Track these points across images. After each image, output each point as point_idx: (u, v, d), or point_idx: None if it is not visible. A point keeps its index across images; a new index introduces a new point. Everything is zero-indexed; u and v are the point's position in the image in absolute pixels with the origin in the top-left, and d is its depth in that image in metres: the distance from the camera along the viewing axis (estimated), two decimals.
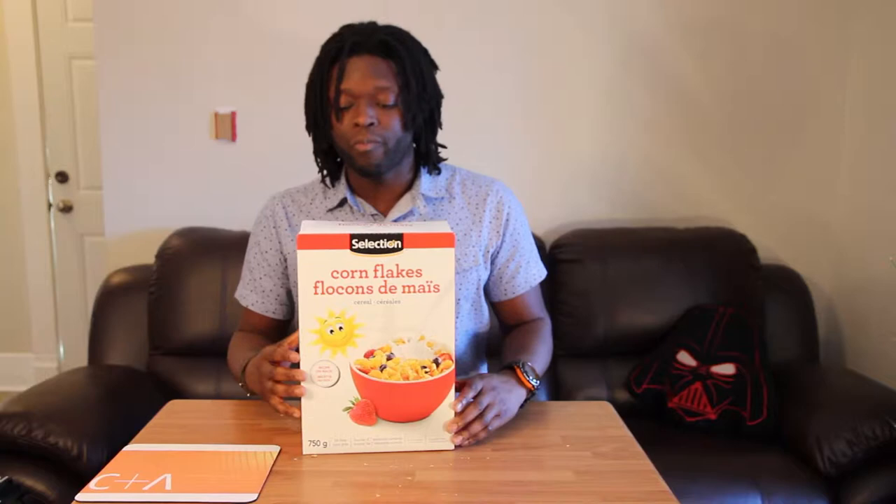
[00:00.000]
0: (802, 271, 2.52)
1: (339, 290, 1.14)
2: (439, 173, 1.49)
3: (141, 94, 2.55)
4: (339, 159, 1.47)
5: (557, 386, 2.36)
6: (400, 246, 1.14)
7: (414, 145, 1.46)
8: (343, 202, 1.46)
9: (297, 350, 1.18)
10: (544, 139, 2.61)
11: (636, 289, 2.37)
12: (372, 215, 1.45)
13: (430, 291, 1.16)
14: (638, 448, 1.22)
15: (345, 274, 1.14)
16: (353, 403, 1.17)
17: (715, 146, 2.61)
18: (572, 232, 2.51)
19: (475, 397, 1.22)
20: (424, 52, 1.42)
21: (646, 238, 2.47)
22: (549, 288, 2.38)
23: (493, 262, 1.51)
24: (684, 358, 2.23)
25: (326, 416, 1.17)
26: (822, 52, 2.57)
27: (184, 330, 2.29)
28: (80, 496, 1.05)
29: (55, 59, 3.36)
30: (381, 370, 1.16)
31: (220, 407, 1.40)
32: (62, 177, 3.44)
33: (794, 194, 2.63)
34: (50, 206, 3.47)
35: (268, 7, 2.51)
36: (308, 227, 1.17)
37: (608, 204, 2.63)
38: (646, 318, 2.36)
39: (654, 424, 2.18)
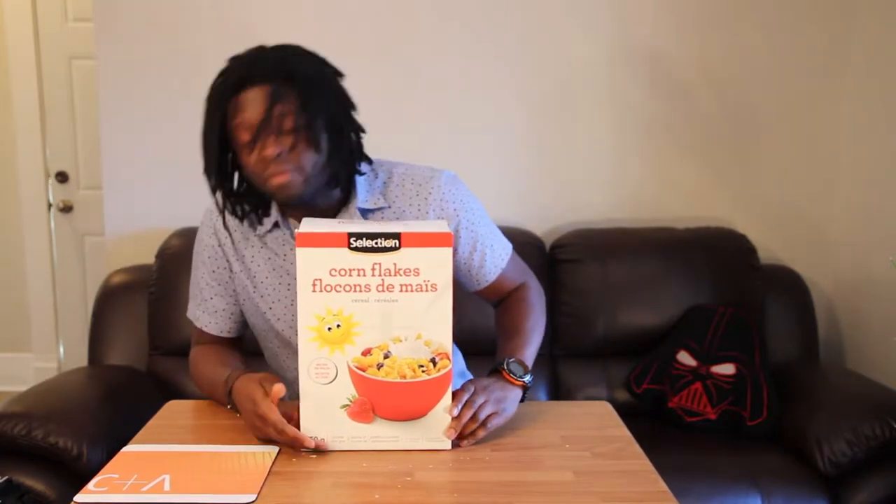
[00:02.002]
0: (802, 271, 2.52)
1: (337, 288, 1.14)
2: (375, 175, 1.40)
3: (141, 94, 2.55)
4: (254, 202, 1.38)
5: (557, 386, 2.36)
6: (397, 245, 1.14)
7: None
8: (276, 225, 1.39)
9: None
10: (544, 139, 2.61)
11: (636, 289, 2.37)
12: None
13: (427, 290, 1.16)
14: (637, 448, 1.22)
15: (343, 272, 1.14)
16: (351, 401, 1.18)
17: (715, 146, 2.61)
18: (572, 232, 2.51)
19: (469, 399, 1.22)
20: (321, 62, 1.33)
21: (646, 238, 2.46)
22: (550, 288, 2.38)
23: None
24: (684, 358, 2.23)
25: (324, 414, 1.18)
26: (821, 53, 2.56)
27: (184, 330, 2.27)
28: (78, 497, 1.05)
29: (55, 59, 3.36)
30: (379, 368, 1.16)
31: (219, 407, 1.39)
32: (62, 177, 3.44)
33: (794, 194, 2.63)
34: (50, 206, 3.47)
35: (268, 7, 2.51)
36: (307, 226, 1.18)
37: (608, 204, 2.63)
38: (646, 318, 2.36)
39: (654, 424, 2.18)
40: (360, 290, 1.15)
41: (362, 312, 1.15)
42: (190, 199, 2.59)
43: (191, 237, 2.38)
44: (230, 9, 2.51)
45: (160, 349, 2.31)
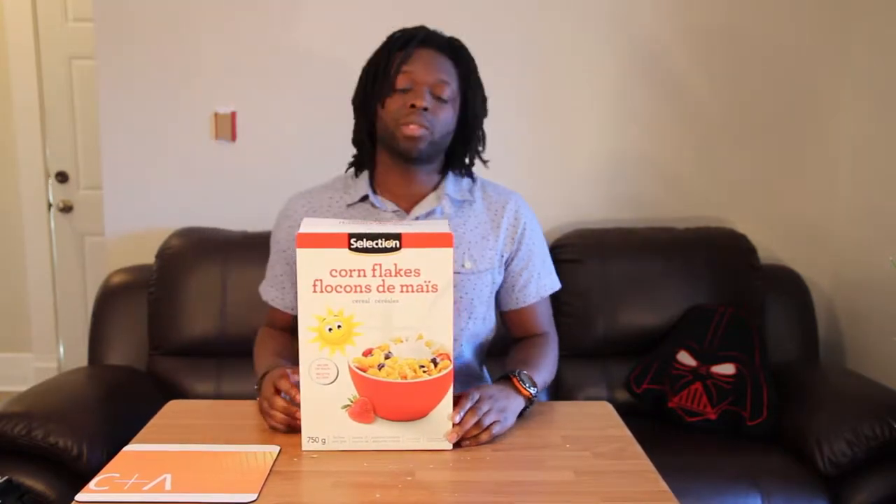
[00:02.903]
0: (802, 271, 2.52)
1: (338, 289, 1.14)
2: (471, 177, 1.53)
3: (141, 94, 2.55)
4: (370, 151, 1.50)
5: (557, 386, 2.35)
6: (398, 245, 1.15)
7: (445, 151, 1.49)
8: (364, 198, 1.48)
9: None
10: (545, 139, 2.61)
11: (636, 289, 2.37)
12: (393, 212, 1.46)
13: (428, 291, 1.16)
14: (638, 448, 1.22)
15: (343, 273, 1.14)
16: (352, 401, 1.18)
17: (715, 146, 2.61)
18: (572, 232, 2.51)
19: (473, 406, 1.23)
20: (477, 69, 1.49)
21: (646, 238, 2.46)
22: None
23: (506, 270, 1.53)
24: (684, 358, 2.23)
25: (325, 414, 1.18)
26: (821, 53, 2.56)
27: (184, 330, 2.28)
28: (79, 496, 1.05)
29: (55, 59, 3.36)
30: (380, 369, 1.17)
31: (220, 407, 1.40)
32: (62, 177, 3.44)
33: (793, 194, 2.63)
34: (50, 206, 3.47)
35: (268, 8, 2.51)
36: (307, 226, 1.17)
37: (608, 204, 2.63)
38: (646, 318, 2.36)
39: (654, 424, 2.18)
40: (361, 291, 1.15)
41: (363, 313, 1.15)
42: (190, 199, 2.60)
43: (191, 237, 2.40)
44: (230, 9, 2.51)
45: (160, 349, 2.31)
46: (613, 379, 2.34)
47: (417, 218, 1.45)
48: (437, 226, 1.21)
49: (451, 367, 1.19)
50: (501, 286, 1.54)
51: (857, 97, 2.55)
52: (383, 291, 1.15)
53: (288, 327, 1.57)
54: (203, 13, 2.51)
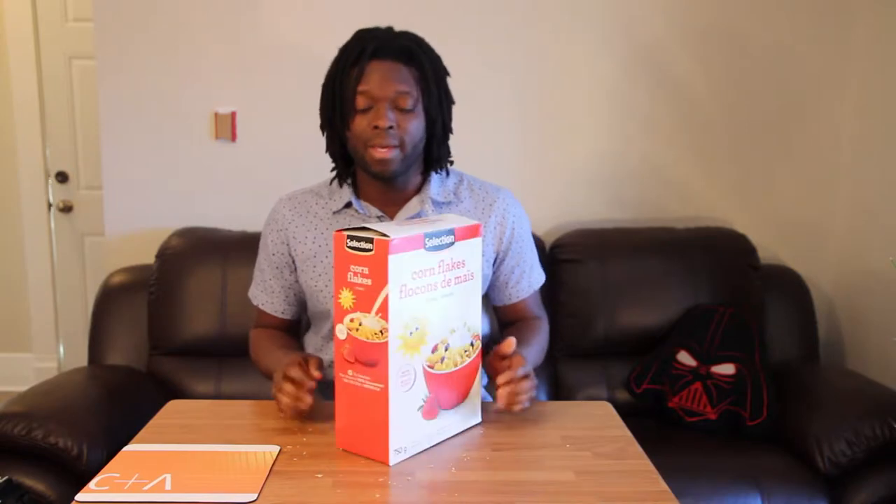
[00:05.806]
0: (802, 271, 2.52)
1: (417, 291, 1.14)
2: (447, 175, 1.51)
3: (141, 94, 2.55)
4: (345, 165, 1.48)
5: (557, 386, 2.36)
6: (454, 241, 1.17)
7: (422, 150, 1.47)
8: (348, 205, 1.47)
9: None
10: (545, 139, 2.61)
11: (636, 289, 2.37)
12: (378, 217, 1.46)
13: (468, 280, 1.22)
14: (638, 448, 1.22)
15: (420, 274, 1.14)
16: (424, 401, 1.18)
17: (715, 146, 2.61)
18: (572, 232, 2.51)
19: (526, 373, 1.28)
20: (439, 59, 1.45)
21: (646, 238, 2.47)
22: (549, 288, 2.38)
23: (497, 269, 1.53)
24: (684, 358, 2.23)
25: (406, 421, 1.16)
26: (821, 54, 2.57)
27: (184, 330, 2.28)
28: (80, 496, 1.05)
29: (55, 59, 3.36)
30: (442, 362, 1.19)
31: (220, 407, 1.40)
32: (62, 177, 3.44)
33: (794, 194, 2.63)
34: (50, 206, 3.47)
35: (268, 8, 2.51)
36: (390, 231, 1.13)
37: (608, 204, 2.63)
38: (646, 318, 2.36)
39: (654, 424, 2.19)
40: (431, 290, 1.16)
41: (433, 311, 1.16)
42: (190, 199, 2.60)
43: (191, 237, 2.41)
44: (230, 9, 2.51)
45: (160, 349, 2.31)
46: (613, 379, 2.35)
47: None
48: (464, 220, 1.23)
49: (480, 345, 1.25)
50: (493, 284, 1.55)
51: (857, 97, 2.55)
52: (445, 286, 1.17)
53: (280, 328, 1.58)
54: (203, 13, 2.51)
